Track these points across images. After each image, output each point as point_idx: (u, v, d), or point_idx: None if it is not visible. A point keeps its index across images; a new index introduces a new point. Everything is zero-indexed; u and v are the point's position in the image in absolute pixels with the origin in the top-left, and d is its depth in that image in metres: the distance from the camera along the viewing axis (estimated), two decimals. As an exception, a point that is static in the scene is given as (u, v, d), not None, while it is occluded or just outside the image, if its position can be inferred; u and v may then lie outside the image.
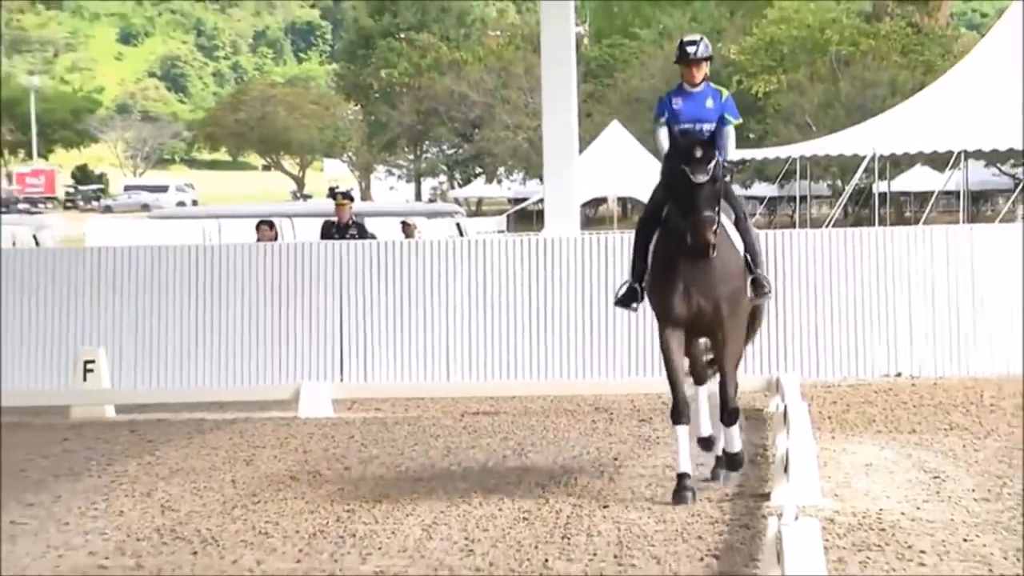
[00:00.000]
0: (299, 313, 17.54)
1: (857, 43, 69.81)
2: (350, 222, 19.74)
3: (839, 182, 58.62)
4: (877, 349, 16.97)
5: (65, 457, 12.83)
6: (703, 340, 10.63)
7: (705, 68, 10.55)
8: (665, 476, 10.67)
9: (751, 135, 67.59)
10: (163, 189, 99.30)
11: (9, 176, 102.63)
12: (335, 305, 17.56)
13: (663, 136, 10.32)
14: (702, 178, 9.66)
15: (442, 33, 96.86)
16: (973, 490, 10.16)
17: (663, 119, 10.39)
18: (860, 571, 7.85)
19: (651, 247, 10.19)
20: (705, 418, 10.78)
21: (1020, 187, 46.38)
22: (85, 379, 15.92)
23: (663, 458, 11.45)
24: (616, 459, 11.80)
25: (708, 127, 10.27)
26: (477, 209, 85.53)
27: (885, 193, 48.95)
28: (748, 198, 66.59)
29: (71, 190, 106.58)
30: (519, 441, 13.01)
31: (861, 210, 52.49)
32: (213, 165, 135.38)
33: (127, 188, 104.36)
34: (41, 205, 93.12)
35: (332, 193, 22.36)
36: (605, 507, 9.81)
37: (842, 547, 8.39)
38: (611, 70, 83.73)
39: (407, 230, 28.16)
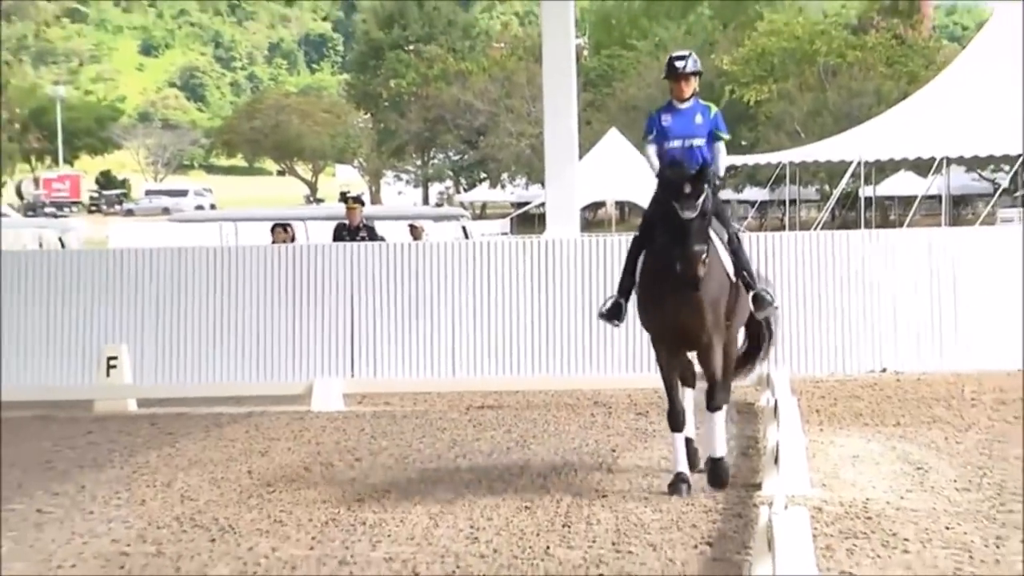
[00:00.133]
0: (312, 312, 17.54)
1: (844, 54, 69.82)
2: (360, 225, 19.74)
3: (827, 187, 58.55)
4: (863, 346, 16.96)
5: (89, 449, 12.84)
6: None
7: (694, 83, 10.32)
8: (661, 468, 10.67)
9: (743, 142, 67.57)
10: (182, 193, 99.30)
11: (36, 181, 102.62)
12: (346, 304, 17.56)
13: (652, 153, 10.20)
14: (690, 214, 9.44)
15: (448, 45, 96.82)
16: (955, 480, 10.15)
17: (651, 137, 10.24)
18: (847, 558, 7.85)
19: (639, 266, 10.06)
20: (690, 420, 10.46)
21: (999, 191, 46.38)
22: (108, 375, 15.93)
23: (659, 450, 11.45)
24: (614, 451, 11.80)
25: (698, 143, 10.13)
26: (482, 212, 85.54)
27: (871, 197, 48.92)
28: (740, 202, 66.76)
29: (95, 194, 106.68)
30: (521, 434, 13.01)
31: (848, 213, 52.46)
32: (230, 171, 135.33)
33: (148, 193, 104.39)
34: (67, 209, 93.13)
35: (343, 197, 22.28)
36: (604, 497, 9.81)
37: (830, 535, 8.38)
38: (609, 80, 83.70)
39: (415, 232, 28.12)
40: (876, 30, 75.44)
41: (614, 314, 10.22)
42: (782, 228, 49.97)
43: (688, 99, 10.27)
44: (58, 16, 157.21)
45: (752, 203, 61.30)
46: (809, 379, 16.19)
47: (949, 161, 39.32)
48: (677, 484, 9.79)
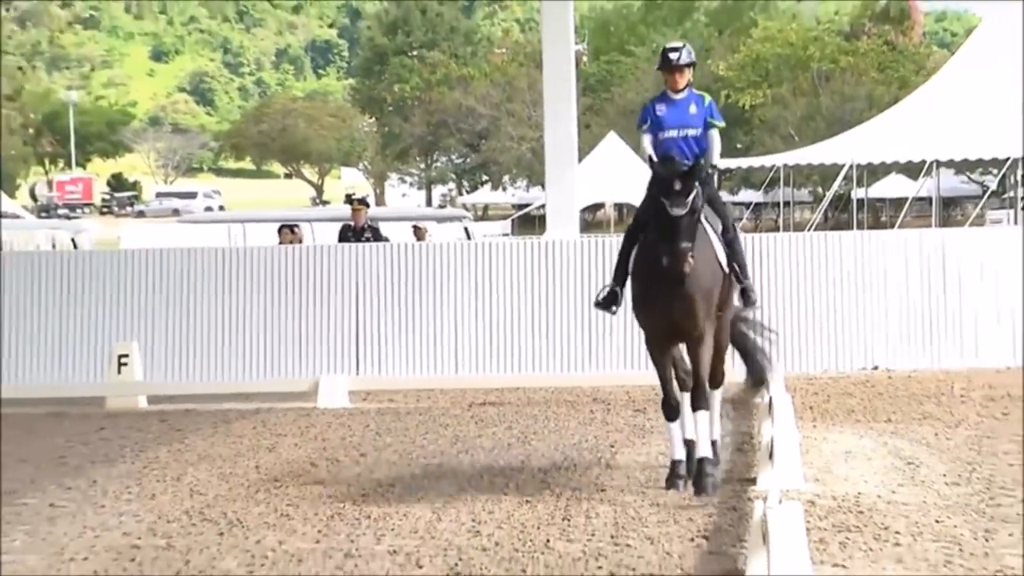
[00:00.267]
0: (318, 311, 17.54)
1: (837, 60, 69.91)
2: (366, 226, 19.75)
3: (820, 189, 58.55)
4: (855, 344, 16.96)
5: (101, 445, 12.84)
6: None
7: (688, 74, 10.05)
8: (658, 463, 10.66)
9: (738, 145, 67.69)
10: (192, 196, 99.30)
11: (50, 184, 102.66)
12: (351, 303, 17.56)
13: (647, 143, 9.96)
14: (679, 211, 9.19)
15: (451, 51, 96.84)
16: (944, 475, 10.15)
17: (646, 126, 10.02)
18: (840, 551, 7.84)
19: (632, 258, 9.84)
20: (690, 423, 10.05)
21: (988, 193, 46.35)
22: (119, 372, 15.93)
23: (657, 446, 11.44)
24: (612, 446, 11.79)
25: (693, 132, 9.92)
26: (483, 214, 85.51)
27: (862, 199, 48.92)
28: (735, 204, 66.68)
29: (107, 197, 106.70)
30: (522, 430, 13.00)
31: (840, 215, 52.46)
32: (238, 173, 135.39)
33: (159, 195, 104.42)
34: (79, 210, 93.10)
35: (349, 199, 22.35)
36: (602, 491, 9.80)
37: (823, 528, 8.38)
38: (608, 85, 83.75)
39: (418, 233, 28.12)
40: (868, 36, 75.60)
41: (610, 301, 9.97)
42: (776, 229, 49.94)
43: (682, 90, 10.02)
44: (71, 22, 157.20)
45: (747, 205, 61.37)
46: (803, 376, 16.19)
47: (939, 164, 39.37)
48: (674, 480, 9.67)
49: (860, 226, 43.83)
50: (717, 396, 10.42)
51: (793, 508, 7.16)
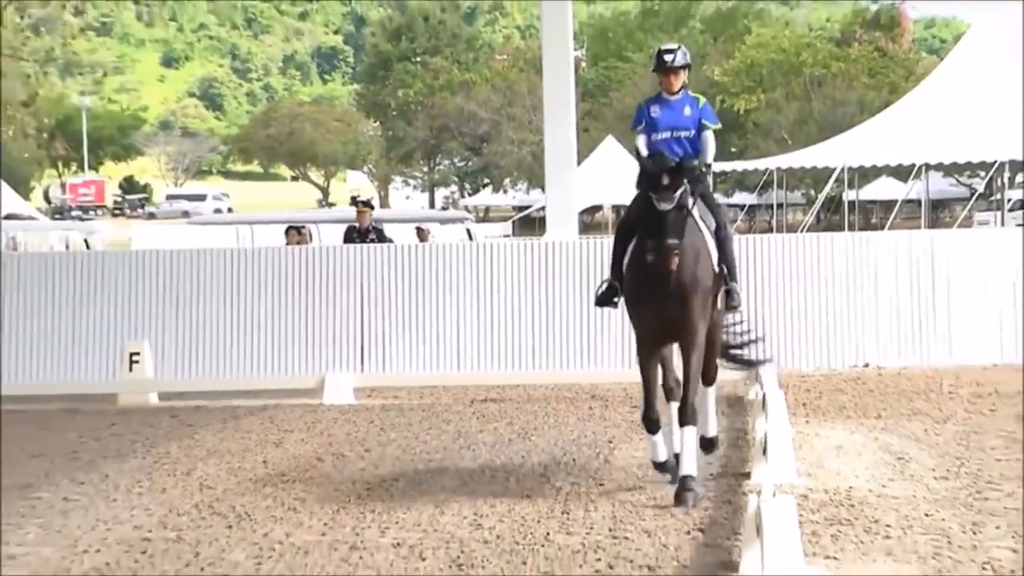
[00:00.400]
0: (324, 310, 17.53)
1: (829, 66, 69.95)
2: (370, 227, 19.73)
3: (812, 191, 58.56)
4: (847, 342, 16.95)
5: (113, 440, 12.84)
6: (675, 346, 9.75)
7: (683, 76, 9.78)
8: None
9: (733, 149, 67.71)
10: (201, 198, 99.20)
11: (63, 186, 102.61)
12: (356, 302, 17.55)
13: (642, 144, 9.70)
14: (666, 206, 8.91)
15: (453, 57, 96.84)
16: (933, 469, 10.15)
17: (640, 127, 9.77)
18: (832, 543, 7.84)
19: (627, 254, 9.49)
20: (677, 437, 9.63)
21: (975, 196, 46.38)
22: (131, 370, 15.93)
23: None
24: (611, 442, 11.79)
25: (686, 134, 9.66)
26: (485, 216, 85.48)
27: (854, 201, 48.94)
28: (730, 206, 66.66)
29: (119, 199, 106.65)
30: (523, 426, 13.00)
31: (832, 217, 52.48)
32: (246, 176, 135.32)
33: (169, 197, 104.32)
34: (92, 212, 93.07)
35: (354, 201, 22.24)
36: (601, 485, 9.80)
37: (815, 522, 8.38)
38: (606, 90, 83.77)
39: (421, 235, 28.09)
40: (859, 43, 75.61)
41: (609, 296, 9.67)
42: (770, 231, 49.98)
43: (677, 92, 9.76)
44: (83, 29, 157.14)
45: (741, 207, 61.39)
46: (795, 373, 16.17)
47: (928, 167, 39.38)
48: (663, 468, 9.62)
49: (851, 228, 43.83)
50: (711, 393, 10.24)
51: (786, 502, 7.18)
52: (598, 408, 14.18)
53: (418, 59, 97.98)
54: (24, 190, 77.24)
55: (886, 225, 42.53)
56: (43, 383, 16.93)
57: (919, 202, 49.80)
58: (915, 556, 7.54)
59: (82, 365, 17.62)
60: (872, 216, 63.74)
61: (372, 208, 21.26)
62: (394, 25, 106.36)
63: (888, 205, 53.50)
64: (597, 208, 67.77)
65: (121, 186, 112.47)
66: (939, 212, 62.96)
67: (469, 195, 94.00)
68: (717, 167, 44.06)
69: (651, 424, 9.49)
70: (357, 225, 19.81)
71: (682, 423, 9.38)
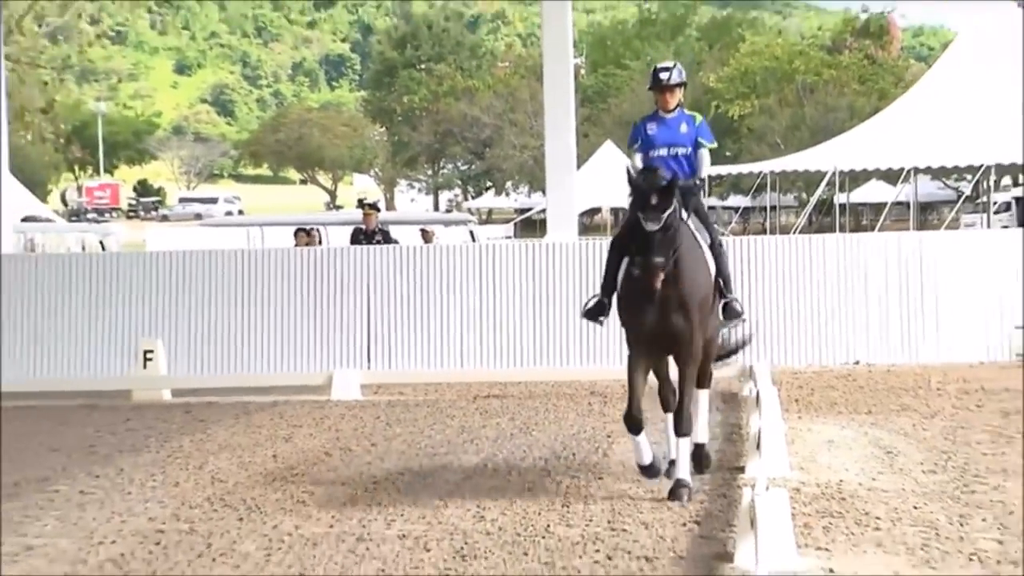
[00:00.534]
0: (331, 309, 17.53)
1: (820, 73, 69.99)
2: (376, 229, 19.76)
3: (804, 194, 58.54)
4: (838, 340, 16.95)
5: (128, 435, 12.84)
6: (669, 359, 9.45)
7: (679, 94, 9.50)
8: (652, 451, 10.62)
9: (728, 153, 67.66)
10: (213, 201, 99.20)
11: (80, 189, 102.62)
12: (363, 302, 17.55)
13: (638, 161, 9.43)
14: (653, 227, 8.55)
15: (457, 64, 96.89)
16: (921, 463, 10.14)
17: (637, 145, 9.51)
18: (823, 535, 7.84)
19: (622, 267, 9.11)
20: (672, 444, 9.42)
21: (962, 199, 46.37)
22: (145, 367, 15.93)
23: (650, 436, 11.41)
24: (609, 436, 11.78)
25: (683, 152, 9.41)
26: (487, 218, 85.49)
27: (844, 204, 48.94)
28: (724, 208, 66.74)
29: (133, 202, 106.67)
30: (524, 421, 13.00)
31: (823, 219, 52.43)
32: (257, 179, 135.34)
33: (182, 200, 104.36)
34: (107, 215, 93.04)
35: (360, 204, 22.34)
36: (599, 478, 9.79)
37: (807, 514, 8.37)
38: (605, 96, 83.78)
39: (426, 236, 28.14)
40: (849, 51, 75.67)
41: (598, 312, 9.33)
42: (764, 232, 49.93)
43: (673, 110, 9.52)
44: (99, 36, 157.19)
45: (736, 209, 61.35)
46: (788, 370, 16.17)
47: (916, 171, 39.34)
48: (650, 472, 9.20)
49: (842, 229, 43.83)
50: (704, 397, 9.91)
51: (779, 495, 7.17)
52: (597, 404, 14.18)
53: (423, 66, 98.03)
54: (42, 193, 77.23)
55: (876, 227, 42.44)
56: (61, 380, 16.92)
57: (908, 205, 49.77)
58: (904, 547, 7.53)
59: (98, 362, 17.63)
60: (862, 218, 63.72)
61: (378, 211, 21.30)
62: (399, 33, 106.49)
63: (878, 208, 53.45)
64: (596, 210, 67.78)
65: (135, 189, 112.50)
66: (927, 214, 62.95)
67: (472, 198, 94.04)
68: (713, 171, 44.11)
69: (633, 424, 9.12)
70: (364, 227, 19.83)
71: (678, 433, 9.19)
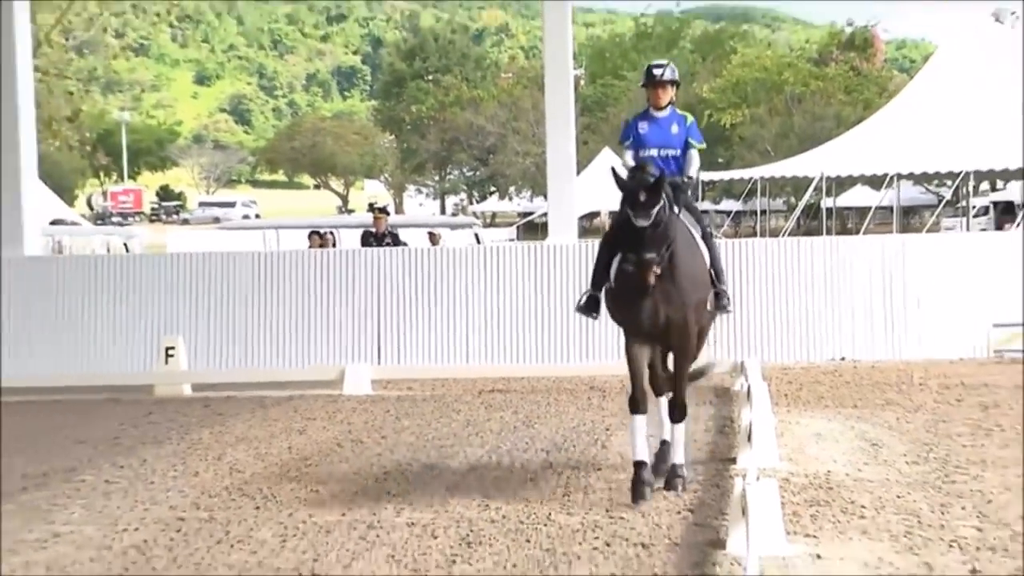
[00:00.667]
0: (343, 308, 17.53)
1: (808, 83, 69.94)
2: (386, 232, 19.77)
3: (793, 199, 58.50)
4: (825, 338, 16.93)
5: (150, 428, 12.84)
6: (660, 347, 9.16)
7: (671, 92, 9.22)
8: (648, 444, 10.60)
9: (720, 159, 67.67)
10: (231, 205, 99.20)
11: (105, 194, 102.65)
12: (373, 301, 17.55)
13: (629, 158, 9.16)
14: (643, 223, 8.30)
15: (463, 75, 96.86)
16: (905, 455, 10.13)
17: (628, 143, 9.24)
18: (811, 523, 7.83)
19: (614, 266, 8.80)
20: (667, 427, 9.26)
21: (943, 203, 46.34)
22: (166, 362, 15.93)
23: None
24: (607, 429, 11.78)
25: (673, 152, 9.14)
26: (492, 221, 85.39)
27: (831, 208, 48.83)
28: (717, 212, 66.63)
29: (155, 206, 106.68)
30: (527, 414, 12.99)
31: (811, 222, 52.37)
32: (272, 185, 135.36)
33: (201, 204, 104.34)
34: (131, 218, 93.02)
35: (371, 208, 22.30)
36: (598, 469, 9.78)
37: (796, 503, 8.36)
38: (603, 106, 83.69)
39: (433, 239, 28.14)
40: (835, 62, 75.62)
41: (590, 307, 9.10)
42: (754, 235, 49.90)
43: (665, 107, 9.23)
44: (124, 49, 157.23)
45: (728, 213, 61.21)
46: (778, 367, 16.16)
47: (899, 176, 39.33)
48: (639, 487, 8.51)
49: (829, 232, 43.75)
50: (683, 423, 9.21)
51: (769, 485, 7.17)
52: (596, 398, 14.17)
53: (430, 77, 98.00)
54: (69, 198, 77.27)
55: (861, 230, 42.40)
56: (86, 375, 16.92)
57: (891, 209, 49.75)
58: (888, 534, 7.53)
59: (122, 358, 17.63)
60: (848, 222, 63.59)
61: (388, 214, 21.30)
62: (408, 46, 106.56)
63: (863, 212, 53.41)
64: (595, 214, 67.60)
65: (158, 194, 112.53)
66: (909, 218, 62.86)
67: (477, 202, 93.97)
68: (706, 176, 44.08)
69: (636, 403, 8.79)
70: (374, 230, 19.84)
71: (673, 420, 9.10)
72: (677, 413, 9.10)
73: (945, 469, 9.48)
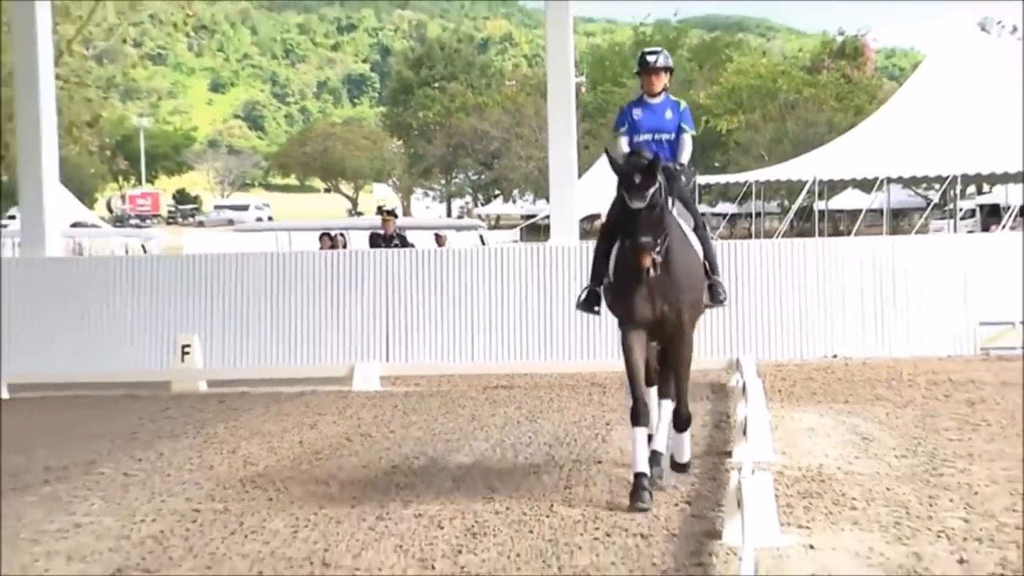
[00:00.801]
0: (353, 307, 17.54)
1: (801, 91, 69.83)
2: (394, 234, 19.76)
3: (786, 202, 58.40)
4: (817, 335, 16.92)
5: (167, 422, 12.85)
6: (655, 344, 8.85)
7: (665, 79, 9.00)
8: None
9: (716, 164, 67.59)
10: (245, 208, 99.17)
11: (123, 198, 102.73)
12: (382, 301, 17.55)
13: (623, 145, 8.91)
14: (638, 204, 8.06)
15: (468, 82, 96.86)
16: (894, 449, 10.12)
17: (623, 129, 9.01)
18: (804, 514, 7.83)
19: (613, 254, 8.56)
20: (654, 413, 8.88)
21: (931, 206, 46.28)
22: (183, 360, 15.95)
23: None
24: (608, 424, 11.77)
25: (667, 137, 8.91)
26: (496, 224, 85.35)
27: (823, 211, 48.77)
28: (714, 214, 66.57)
29: (172, 209, 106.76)
30: (530, 410, 12.99)
31: (804, 224, 52.33)
32: (285, 188, 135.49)
33: (216, 207, 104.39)
34: (148, 221, 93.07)
35: (379, 211, 22.31)
36: (599, 463, 9.78)
37: (789, 495, 8.36)
38: (604, 112, 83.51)
39: (439, 240, 28.14)
40: (827, 70, 75.51)
41: (592, 303, 8.82)
42: (749, 237, 49.83)
43: (659, 94, 9.01)
44: (142, 57, 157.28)
45: (724, 215, 61.24)
46: (772, 363, 16.15)
47: (889, 180, 39.25)
48: (639, 492, 8.10)
49: (821, 234, 43.68)
50: (668, 406, 9.02)
51: (764, 477, 7.17)
52: (597, 394, 14.16)
53: (436, 85, 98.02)
54: (89, 201, 77.28)
55: (852, 232, 42.35)
56: (105, 372, 16.93)
57: (881, 211, 49.69)
58: (878, 525, 7.52)
59: (140, 356, 17.64)
60: (839, 224, 63.48)
61: (396, 217, 21.30)
62: (415, 55, 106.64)
63: (854, 214, 53.30)
64: (596, 216, 67.34)
65: (174, 197, 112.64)
66: (899, 220, 62.76)
67: (482, 205, 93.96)
68: (703, 180, 44.02)
69: (638, 415, 8.39)
70: (382, 232, 19.84)
71: (678, 429, 8.92)
72: (682, 423, 8.97)
73: (933, 463, 9.47)
